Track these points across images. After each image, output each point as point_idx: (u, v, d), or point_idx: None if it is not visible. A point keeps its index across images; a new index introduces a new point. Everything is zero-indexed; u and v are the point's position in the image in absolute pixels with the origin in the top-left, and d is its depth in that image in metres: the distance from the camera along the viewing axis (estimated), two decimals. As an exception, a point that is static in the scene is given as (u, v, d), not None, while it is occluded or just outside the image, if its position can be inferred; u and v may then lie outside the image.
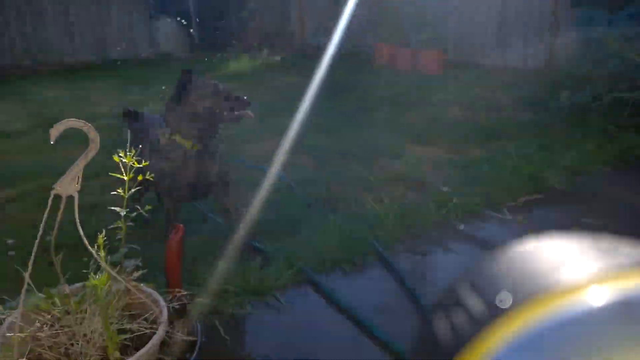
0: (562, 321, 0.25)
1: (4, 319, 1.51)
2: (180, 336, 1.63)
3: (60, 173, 1.49)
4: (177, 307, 1.67)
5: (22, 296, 1.42)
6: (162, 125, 2.33)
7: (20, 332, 1.43)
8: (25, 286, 1.41)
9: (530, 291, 0.27)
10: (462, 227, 2.89)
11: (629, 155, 4.01)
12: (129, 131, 2.68)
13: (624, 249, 0.28)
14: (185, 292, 1.74)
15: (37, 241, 1.33)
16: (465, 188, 3.34)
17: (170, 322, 1.64)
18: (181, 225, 1.72)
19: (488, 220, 2.99)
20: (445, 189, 3.31)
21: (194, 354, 1.63)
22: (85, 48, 10.40)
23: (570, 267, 0.28)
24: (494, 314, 0.26)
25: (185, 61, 10.85)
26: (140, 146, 2.25)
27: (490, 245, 2.66)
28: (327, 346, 1.96)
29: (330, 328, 2.06)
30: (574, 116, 5.03)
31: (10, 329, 1.46)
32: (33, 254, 1.34)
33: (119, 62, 10.22)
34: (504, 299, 0.27)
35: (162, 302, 1.64)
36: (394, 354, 1.87)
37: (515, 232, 2.79)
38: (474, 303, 0.28)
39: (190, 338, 1.66)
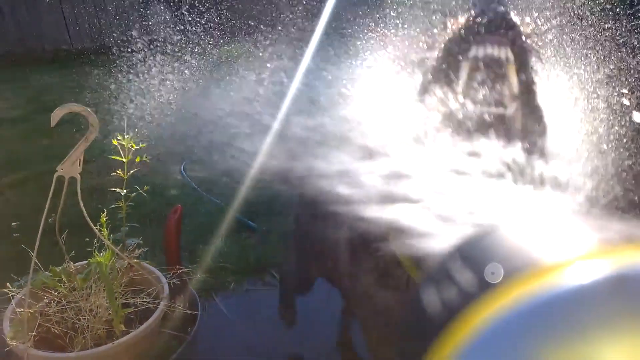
0: (551, 297, 0.24)
1: (13, 297, 1.58)
2: (181, 310, 1.71)
3: (59, 158, 1.54)
4: (178, 283, 1.75)
5: (30, 274, 1.49)
6: None
7: (29, 308, 1.51)
8: (33, 265, 1.48)
9: (517, 267, 0.26)
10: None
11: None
12: None
13: (613, 225, 0.27)
14: (185, 269, 1.82)
15: (42, 221, 1.40)
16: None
17: (172, 297, 1.72)
18: (179, 205, 1.79)
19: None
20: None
21: (195, 327, 1.71)
22: (80, 35, 10.36)
23: (558, 244, 0.27)
24: (482, 289, 0.26)
25: (176, 45, 10.81)
26: None
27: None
28: (325, 324, 2.03)
29: (326, 308, 2.12)
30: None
31: (19, 305, 1.53)
32: (39, 233, 1.41)
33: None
34: (495, 272, 0.26)
35: (163, 279, 1.72)
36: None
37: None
38: (462, 278, 0.27)
39: (192, 312, 1.74)
